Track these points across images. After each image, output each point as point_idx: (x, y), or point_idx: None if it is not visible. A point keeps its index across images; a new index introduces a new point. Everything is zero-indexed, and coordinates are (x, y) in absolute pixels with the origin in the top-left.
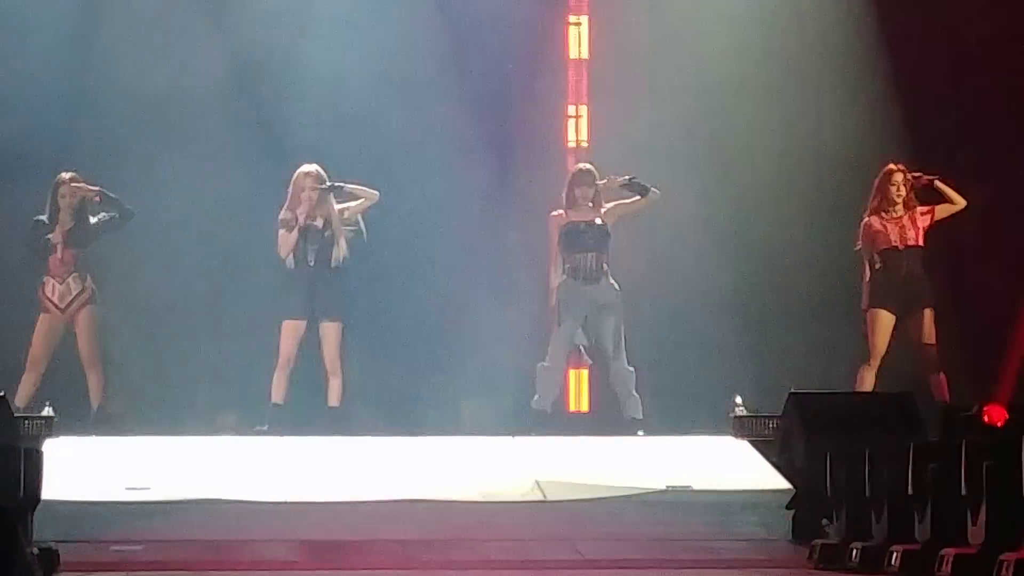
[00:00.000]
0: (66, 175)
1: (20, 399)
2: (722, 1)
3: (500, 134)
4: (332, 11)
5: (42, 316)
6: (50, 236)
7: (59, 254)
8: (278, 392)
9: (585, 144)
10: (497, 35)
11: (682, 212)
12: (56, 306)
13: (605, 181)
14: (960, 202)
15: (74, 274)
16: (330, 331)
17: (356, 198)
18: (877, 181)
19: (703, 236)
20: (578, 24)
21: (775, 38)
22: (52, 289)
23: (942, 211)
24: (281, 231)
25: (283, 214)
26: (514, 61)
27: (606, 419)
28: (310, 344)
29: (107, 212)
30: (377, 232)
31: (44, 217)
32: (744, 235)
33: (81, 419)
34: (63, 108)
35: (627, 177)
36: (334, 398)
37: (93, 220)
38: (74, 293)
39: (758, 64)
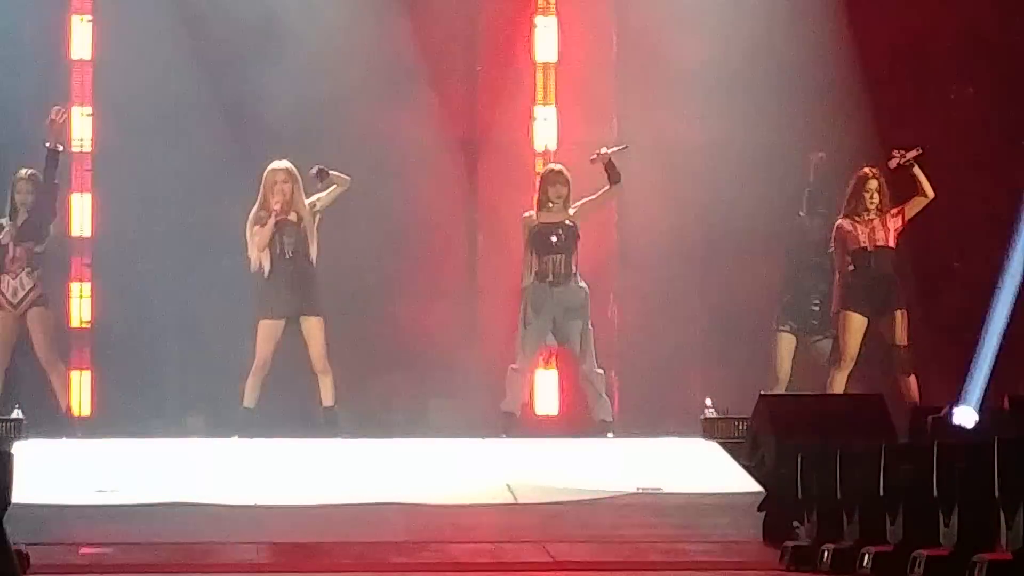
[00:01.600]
0: (24, 172)
1: None
2: (692, 2)
3: (468, 136)
4: (301, 11)
5: None
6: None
7: (11, 252)
8: (251, 396)
9: (553, 147)
10: (465, 36)
11: (652, 214)
12: (9, 302)
13: (595, 156)
14: (929, 193)
15: (27, 270)
16: (315, 327)
17: (330, 186)
18: (851, 185)
19: (673, 238)
20: (546, 26)
21: (745, 40)
22: (6, 284)
23: (911, 208)
24: (255, 227)
25: (255, 212)
26: (482, 63)
27: (576, 421)
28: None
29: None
30: (344, 232)
31: (4, 220)
32: (714, 237)
33: (50, 421)
34: (31, 102)
35: (621, 147)
36: (328, 397)
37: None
38: (26, 289)
39: (728, 67)
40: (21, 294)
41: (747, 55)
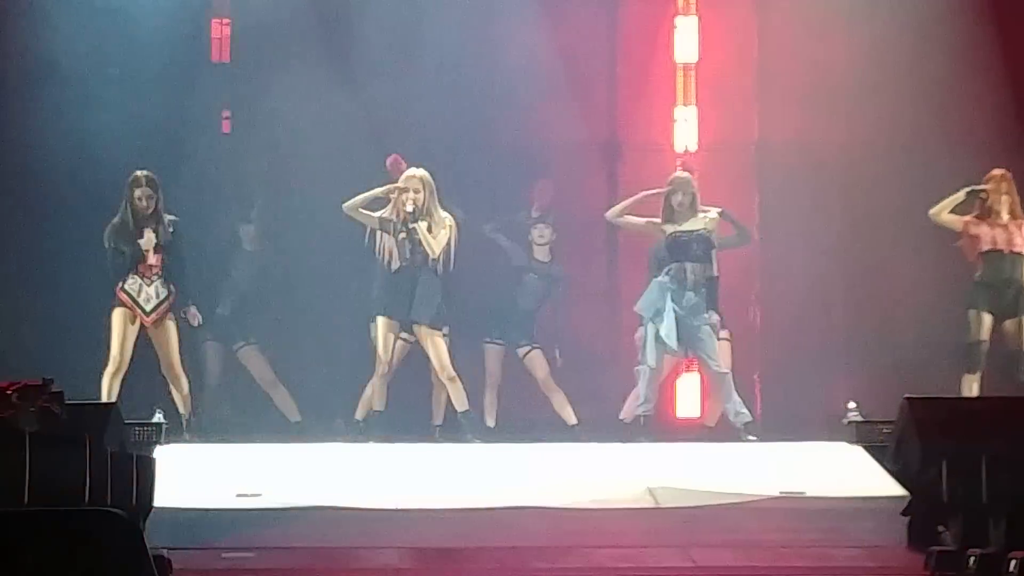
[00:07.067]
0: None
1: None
2: (835, 3)
3: (608, 138)
4: (442, 14)
5: (120, 311)
6: (141, 241)
7: (149, 259)
8: (379, 400)
9: (693, 148)
10: (605, 38)
11: (795, 219)
12: (141, 309)
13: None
14: None
15: (162, 279)
16: (426, 336)
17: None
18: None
19: (816, 242)
20: (686, 27)
21: (890, 39)
22: (140, 289)
23: None
24: (379, 232)
25: (385, 213)
26: (623, 64)
27: (719, 424)
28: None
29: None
30: (482, 234)
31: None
32: (857, 240)
33: (190, 426)
34: (151, 103)
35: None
36: (459, 402)
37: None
38: (160, 297)
39: (871, 66)
40: (154, 302)
41: (888, 55)
